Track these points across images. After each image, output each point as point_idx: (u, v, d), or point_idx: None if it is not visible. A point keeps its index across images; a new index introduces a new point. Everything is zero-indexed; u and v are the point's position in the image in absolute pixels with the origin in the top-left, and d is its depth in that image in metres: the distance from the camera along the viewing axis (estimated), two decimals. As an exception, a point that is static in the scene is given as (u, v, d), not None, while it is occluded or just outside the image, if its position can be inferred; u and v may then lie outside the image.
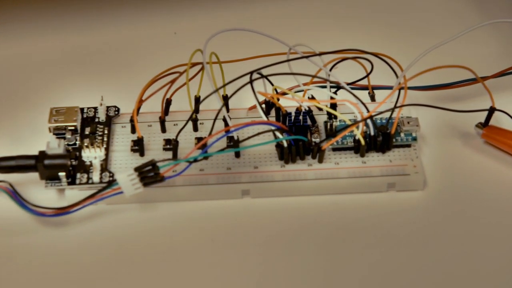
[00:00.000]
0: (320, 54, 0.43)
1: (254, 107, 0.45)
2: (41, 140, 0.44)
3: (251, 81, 0.42)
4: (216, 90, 0.42)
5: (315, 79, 0.44)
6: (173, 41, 0.52)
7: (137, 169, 0.40)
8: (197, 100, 0.44)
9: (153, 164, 0.40)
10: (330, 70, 0.44)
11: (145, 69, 0.49)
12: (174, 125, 0.45)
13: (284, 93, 0.43)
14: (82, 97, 0.47)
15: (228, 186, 0.42)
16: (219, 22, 0.53)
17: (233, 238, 0.41)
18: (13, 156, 0.42)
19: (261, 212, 0.42)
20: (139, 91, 0.44)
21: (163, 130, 0.45)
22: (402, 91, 0.43)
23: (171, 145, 0.43)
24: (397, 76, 0.44)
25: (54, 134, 0.44)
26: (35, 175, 0.42)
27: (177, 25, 0.53)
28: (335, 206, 0.42)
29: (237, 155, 0.43)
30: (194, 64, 0.44)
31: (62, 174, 0.41)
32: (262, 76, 0.43)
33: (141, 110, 0.45)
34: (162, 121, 0.44)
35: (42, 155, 0.42)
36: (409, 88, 0.44)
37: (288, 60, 0.43)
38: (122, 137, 0.44)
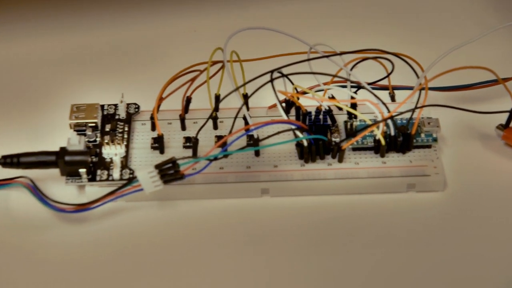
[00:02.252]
0: (341, 53, 0.43)
1: (274, 106, 0.45)
2: (61, 137, 0.44)
3: (271, 80, 0.42)
4: (237, 89, 0.42)
5: (335, 79, 0.44)
6: (193, 39, 0.52)
7: (157, 166, 0.40)
8: (217, 98, 0.45)
9: (173, 161, 0.40)
10: (351, 69, 0.44)
11: (164, 66, 0.49)
12: (194, 123, 0.45)
13: (304, 92, 0.43)
14: (102, 94, 0.47)
15: (248, 184, 0.42)
16: (238, 20, 0.53)
17: (251, 237, 0.41)
18: (34, 152, 0.42)
19: (280, 211, 0.42)
20: (158, 89, 0.44)
21: (183, 128, 0.45)
22: (423, 92, 0.43)
23: (191, 143, 0.43)
24: (417, 77, 0.44)
25: (74, 130, 0.44)
26: (55, 171, 0.43)
27: (197, 23, 0.53)
28: (354, 206, 0.42)
29: (257, 153, 0.43)
30: (214, 62, 0.44)
31: (82, 170, 0.42)
32: (283, 75, 0.43)
33: (161, 108, 0.45)
34: (182, 119, 0.44)
35: (63, 151, 0.42)
36: (430, 88, 0.44)
37: (308, 59, 0.43)
38: (142, 135, 0.45)
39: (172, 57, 0.51)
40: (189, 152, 0.44)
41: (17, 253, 0.41)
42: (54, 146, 0.43)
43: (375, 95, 0.42)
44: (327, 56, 0.43)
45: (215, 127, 0.45)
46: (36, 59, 0.51)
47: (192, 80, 0.44)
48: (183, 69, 0.44)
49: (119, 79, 0.49)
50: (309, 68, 0.44)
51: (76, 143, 0.42)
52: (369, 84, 0.44)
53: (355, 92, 0.45)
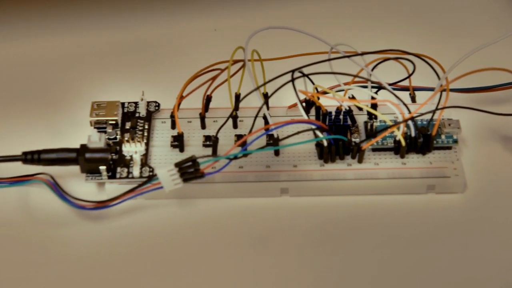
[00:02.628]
0: (362, 54, 0.43)
1: (294, 105, 0.45)
2: (81, 134, 0.44)
3: (292, 80, 0.42)
4: (258, 88, 0.42)
5: (355, 79, 0.44)
6: (213, 38, 0.52)
7: (177, 164, 0.41)
8: (237, 98, 0.45)
9: (193, 160, 0.40)
10: (372, 70, 0.44)
11: (184, 65, 0.50)
12: (214, 121, 0.45)
13: (324, 92, 0.43)
14: (122, 92, 0.47)
15: (267, 184, 0.42)
16: (258, 20, 0.53)
17: (270, 236, 0.41)
18: (55, 148, 0.42)
19: (299, 211, 0.42)
20: (178, 87, 0.44)
21: (203, 126, 0.45)
22: (444, 93, 0.43)
23: (211, 141, 0.43)
24: (439, 78, 0.44)
25: (95, 128, 0.44)
26: (74, 168, 0.43)
27: (217, 22, 0.53)
28: (374, 207, 0.42)
29: (277, 153, 0.43)
30: (235, 61, 0.44)
31: (102, 168, 0.42)
32: (303, 75, 0.43)
33: (181, 106, 0.45)
34: (202, 118, 0.44)
35: (83, 148, 0.42)
36: (451, 90, 0.44)
37: (329, 59, 0.43)
38: (162, 133, 0.45)
39: (192, 56, 0.51)
40: (208, 151, 0.44)
41: (35, 249, 0.41)
42: (74, 143, 0.43)
43: (396, 96, 0.42)
44: (348, 56, 0.43)
45: (235, 126, 0.45)
46: (58, 56, 0.51)
47: (213, 78, 0.44)
48: (204, 67, 0.44)
49: (140, 77, 0.49)
50: (329, 68, 0.44)
51: (97, 140, 0.42)
52: (390, 85, 0.44)
53: (376, 93, 0.44)
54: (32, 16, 0.53)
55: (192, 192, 0.42)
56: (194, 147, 0.44)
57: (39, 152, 0.42)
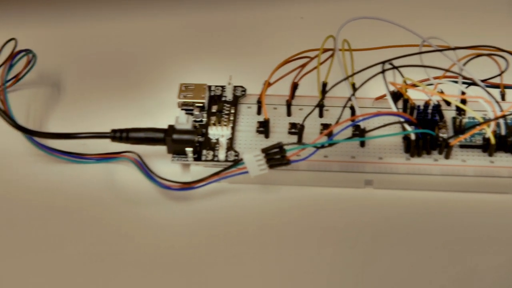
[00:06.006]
0: (455, 48, 0.42)
1: (381, 97, 0.45)
2: (167, 114, 0.44)
3: (383, 71, 0.41)
4: (347, 78, 0.42)
5: (444, 74, 0.44)
6: (299, 26, 0.52)
7: (264, 150, 0.41)
8: (324, 86, 0.44)
9: (280, 146, 0.40)
10: (464, 65, 0.44)
11: (270, 51, 0.50)
12: (300, 109, 0.45)
13: (414, 85, 0.43)
14: (209, 75, 0.47)
15: (352, 174, 0.42)
16: (345, 9, 0.53)
17: (352, 227, 0.41)
18: (143, 128, 0.43)
19: (382, 203, 0.42)
20: (263, 73, 0.44)
21: (289, 113, 0.45)
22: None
23: (297, 129, 0.43)
24: (532, 76, 0.43)
25: (182, 109, 0.44)
26: (159, 148, 0.43)
27: (304, 10, 0.53)
28: (459, 204, 0.42)
29: (362, 144, 0.43)
30: (325, 50, 0.43)
31: (189, 149, 0.42)
32: (394, 67, 0.42)
33: (266, 92, 0.45)
34: (289, 105, 0.44)
35: (171, 129, 0.42)
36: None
37: (421, 52, 0.43)
38: (247, 118, 0.45)
39: (277, 43, 0.51)
40: (293, 138, 0.44)
41: (118, 225, 0.41)
42: (160, 123, 0.43)
43: (489, 93, 0.42)
44: (440, 50, 0.42)
45: (321, 115, 0.44)
46: (149, 37, 0.51)
47: (303, 66, 0.43)
48: (293, 55, 0.44)
49: (227, 61, 0.49)
50: (419, 61, 0.44)
51: (184, 122, 0.42)
52: (481, 81, 0.43)
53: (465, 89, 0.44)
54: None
55: (275, 179, 0.43)
56: (279, 133, 0.44)
57: (127, 130, 0.43)
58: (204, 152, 0.43)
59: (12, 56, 0.44)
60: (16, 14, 0.53)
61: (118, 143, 0.43)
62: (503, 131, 0.42)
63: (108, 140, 0.43)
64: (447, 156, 0.42)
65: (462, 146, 0.43)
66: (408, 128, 0.42)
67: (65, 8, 0.53)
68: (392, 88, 0.43)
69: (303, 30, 0.51)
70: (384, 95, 0.45)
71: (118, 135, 0.42)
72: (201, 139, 0.43)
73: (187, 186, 0.41)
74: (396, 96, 0.44)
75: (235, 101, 0.45)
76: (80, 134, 0.43)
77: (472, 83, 0.43)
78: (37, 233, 0.41)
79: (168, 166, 0.43)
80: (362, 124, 0.43)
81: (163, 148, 0.43)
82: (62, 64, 0.49)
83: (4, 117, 0.43)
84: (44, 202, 0.42)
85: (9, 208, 0.42)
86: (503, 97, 0.45)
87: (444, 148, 0.42)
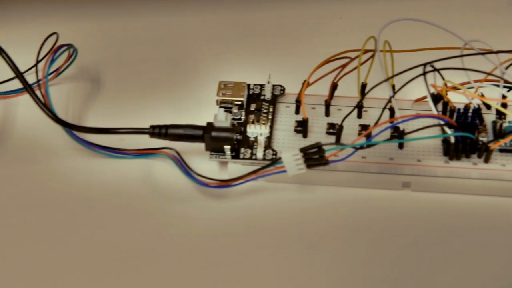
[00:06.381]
0: (497, 52, 0.42)
1: (420, 99, 0.44)
2: (205, 112, 0.45)
3: (424, 73, 0.41)
4: (388, 79, 0.42)
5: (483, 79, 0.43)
6: (338, 26, 0.52)
7: (302, 150, 0.41)
8: (364, 87, 0.44)
9: (319, 146, 0.40)
10: (506, 69, 0.43)
11: (308, 51, 0.50)
12: (338, 110, 0.45)
13: (455, 88, 0.43)
14: (247, 73, 0.47)
15: (389, 176, 0.42)
16: (383, 10, 0.53)
17: (388, 229, 0.41)
18: (182, 124, 0.43)
19: (419, 206, 0.42)
20: (301, 72, 0.44)
21: (327, 113, 0.45)
22: None
23: (335, 129, 0.43)
24: None
25: (220, 107, 0.45)
26: (197, 145, 0.43)
27: (343, 10, 0.53)
28: (498, 208, 0.41)
29: (401, 146, 0.43)
30: (366, 51, 0.43)
31: (227, 147, 0.42)
32: (434, 69, 0.42)
33: (305, 92, 0.45)
34: (327, 105, 0.44)
35: (210, 126, 0.42)
36: None
37: (463, 55, 0.42)
38: (285, 117, 0.45)
39: (316, 43, 0.51)
40: (331, 138, 0.43)
41: (154, 221, 0.41)
42: (197, 120, 0.43)
43: (531, 97, 0.41)
44: (482, 53, 0.42)
45: (359, 115, 0.44)
46: (189, 34, 0.52)
47: (343, 66, 0.43)
48: (334, 54, 0.44)
49: (265, 60, 0.49)
50: (460, 63, 0.43)
51: (223, 119, 0.43)
52: (523, 85, 0.43)
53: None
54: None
55: (312, 178, 0.42)
56: (317, 133, 0.44)
57: (166, 126, 0.43)
58: (242, 150, 0.43)
59: (55, 50, 0.45)
60: (58, 8, 0.53)
61: (156, 139, 0.43)
62: (544, 137, 0.42)
63: (144, 136, 0.43)
64: (486, 160, 0.42)
65: (502, 151, 0.42)
66: (448, 131, 0.41)
67: (107, 3, 0.53)
68: (432, 90, 0.43)
69: (341, 30, 0.51)
70: (424, 97, 0.44)
71: (157, 131, 0.43)
72: (239, 137, 0.43)
73: (225, 183, 0.41)
74: (436, 98, 0.44)
75: (274, 100, 0.45)
76: (120, 129, 0.43)
77: (512, 87, 0.43)
78: (74, 225, 0.41)
79: (204, 163, 0.43)
80: (401, 126, 0.43)
81: (200, 145, 0.43)
82: (102, 59, 0.50)
83: (45, 110, 0.43)
84: (82, 196, 0.42)
85: (48, 201, 0.42)
86: (544, 102, 0.44)
87: (484, 152, 0.42)
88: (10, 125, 0.46)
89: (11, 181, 0.43)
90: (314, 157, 0.41)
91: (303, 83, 0.44)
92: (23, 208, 0.42)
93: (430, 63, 0.42)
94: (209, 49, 0.50)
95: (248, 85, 0.46)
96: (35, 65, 0.45)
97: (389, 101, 0.42)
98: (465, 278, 0.39)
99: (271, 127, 0.44)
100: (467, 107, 0.43)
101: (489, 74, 0.42)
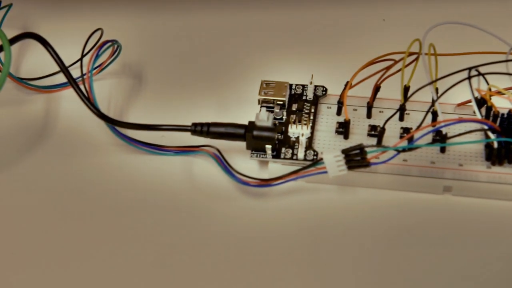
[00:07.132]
0: (543, 57, 0.42)
1: (463, 103, 0.44)
2: (247, 111, 0.45)
3: (469, 77, 0.41)
4: (432, 82, 0.41)
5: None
6: (381, 28, 0.52)
7: (344, 151, 0.40)
8: (407, 90, 0.44)
9: (361, 148, 0.40)
10: (550, 75, 0.43)
11: (350, 52, 0.50)
12: (380, 112, 0.45)
13: (499, 92, 0.42)
14: (289, 73, 0.47)
15: (430, 180, 0.42)
16: (426, 12, 0.52)
17: (428, 232, 0.41)
18: (224, 122, 0.43)
19: (460, 211, 0.41)
20: (343, 73, 0.44)
21: (369, 115, 0.44)
22: None
23: (377, 131, 0.43)
24: None
25: (261, 106, 0.45)
26: (238, 144, 0.43)
27: (386, 12, 0.53)
28: (540, 216, 0.41)
29: (443, 150, 0.43)
30: (410, 54, 0.43)
31: (268, 146, 0.42)
32: (479, 74, 0.42)
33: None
34: (370, 107, 0.44)
35: (252, 125, 0.42)
36: None
37: (507, 61, 0.42)
38: (327, 118, 0.45)
39: (358, 44, 0.50)
40: (372, 141, 0.43)
41: (194, 218, 0.42)
42: (238, 119, 0.43)
43: None
44: (528, 59, 0.42)
45: (401, 118, 0.44)
46: (233, 33, 0.52)
47: (387, 68, 0.43)
48: (378, 56, 0.43)
49: (308, 60, 0.49)
50: (505, 68, 0.43)
51: (265, 119, 0.43)
52: None
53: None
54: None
55: (353, 180, 0.42)
56: (358, 135, 0.44)
57: (208, 124, 0.43)
58: (283, 150, 0.43)
59: (100, 45, 0.45)
60: (103, 4, 0.53)
61: (197, 137, 0.43)
62: None
63: (185, 133, 0.43)
64: (529, 167, 0.42)
65: (545, 157, 0.42)
66: (491, 136, 0.41)
67: (152, 0, 0.54)
68: (476, 95, 0.43)
69: (384, 32, 0.51)
70: (467, 102, 0.44)
71: (199, 128, 0.43)
72: (280, 137, 0.43)
73: (265, 183, 0.41)
74: (480, 103, 0.44)
75: (316, 101, 0.45)
76: (162, 126, 0.43)
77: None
78: (112, 220, 0.41)
79: (244, 162, 0.43)
80: (444, 130, 0.43)
81: (240, 144, 0.43)
82: (146, 56, 0.50)
83: (89, 105, 0.44)
84: (121, 191, 0.43)
85: (89, 194, 0.43)
86: None
87: (527, 158, 0.42)
88: (53, 119, 0.47)
89: (53, 174, 0.44)
90: (355, 158, 0.40)
91: (346, 84, 0.44)
92: (64, 201, 0.42)
93: (475, 67, 0.41)
94: (253, 48, 0.50)
95: (290, 85, 0.46)
96: (80, 60, 0.45)
97: (433, 104, 0.42)
98: (505, 282, 0.39)
99: (312, 127, 0.44)
100: (510, 113, 0.43)
101: (534, 79, 0.42)
